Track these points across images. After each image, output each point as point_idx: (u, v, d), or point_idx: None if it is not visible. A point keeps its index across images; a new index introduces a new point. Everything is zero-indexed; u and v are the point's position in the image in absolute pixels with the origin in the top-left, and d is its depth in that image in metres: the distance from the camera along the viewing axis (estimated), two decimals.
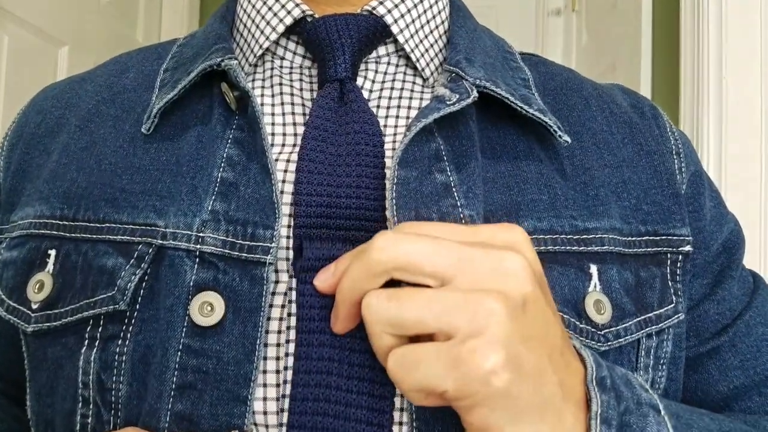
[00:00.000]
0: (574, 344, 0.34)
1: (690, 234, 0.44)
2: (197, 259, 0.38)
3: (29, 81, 1.36)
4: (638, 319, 0.41)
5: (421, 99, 0.44)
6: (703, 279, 0.46)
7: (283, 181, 0.40)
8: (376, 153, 0.39)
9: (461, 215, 0.38)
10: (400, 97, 0.43)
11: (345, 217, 0.38)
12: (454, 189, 0.39)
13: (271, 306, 0.37)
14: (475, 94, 0.40)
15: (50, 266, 0.40)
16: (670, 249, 0.43)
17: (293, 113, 0.43)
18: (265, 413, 0.36)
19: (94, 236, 0.40)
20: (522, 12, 2.25)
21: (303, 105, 0.43)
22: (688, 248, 0.43)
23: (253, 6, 0.45)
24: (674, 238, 0.43)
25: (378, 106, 0.43)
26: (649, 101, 0.50)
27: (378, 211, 0.38)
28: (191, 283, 0.37)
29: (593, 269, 0.40)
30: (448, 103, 0.39)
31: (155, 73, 0.47)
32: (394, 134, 0.42)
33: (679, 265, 0.43)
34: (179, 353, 0.36)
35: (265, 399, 0.36)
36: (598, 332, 0.39)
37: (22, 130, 0.48)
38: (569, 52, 2.13)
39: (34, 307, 0.40)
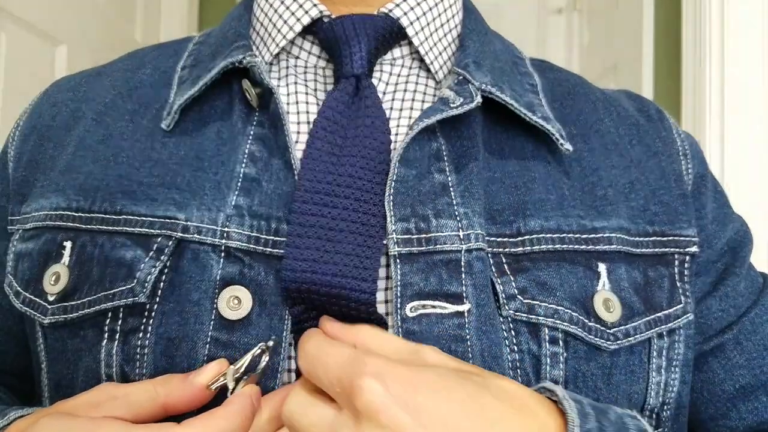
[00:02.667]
0: (558, 394, 0.32)
1: (696, 235, 0.44)
2: (223, 254, 0.38)
3: (27, 80, 1.36)
4: (647, 318, 0.41)
5: (433, 101, 0.44)
6: (707, 277, 0.46)
7: None
8: (382, 149, 0.40)
9: (456, 212, 0.39)
10: (413, 99, 0.44)
11: (343, 207, 0.38)
12: (451, 188, 0.40)
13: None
14: (478, 99, 0.41)
15: (66, 258, 0.41)
16: (677, 250, 0.43)
17: (308, 112, 0.43)
18: None
19: (111, 228, 0.40)
20: (524, 10, 2.25)
21: (317, 104, 0.44)
22: (694, 249, 0.43)
23: (271, 5, 0.46)
24: (681, 238, 0.43)
25: (391, 108, 0.43)
26: (655, 104, 0.51)
27: (378, 205, 0.38)
28: (218, 277, 0.38)
29: (602, 268, 0.40)
30: (452, 105, 0.40)
31: (172, 70, 0.47)
32: (407, 134, 0.42)
33: (686, 265, 0.43)
34: (208, 346, 0.37)
35: None
36: (608, 331, 0.39)
37: (35, 121, 0.48)
38: (571, 50, 2.12)
39: (51, 299, 0.40)
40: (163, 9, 2.01)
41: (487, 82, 0.42)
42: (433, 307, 0.37)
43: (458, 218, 0.39)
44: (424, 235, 0.38)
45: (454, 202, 0.39)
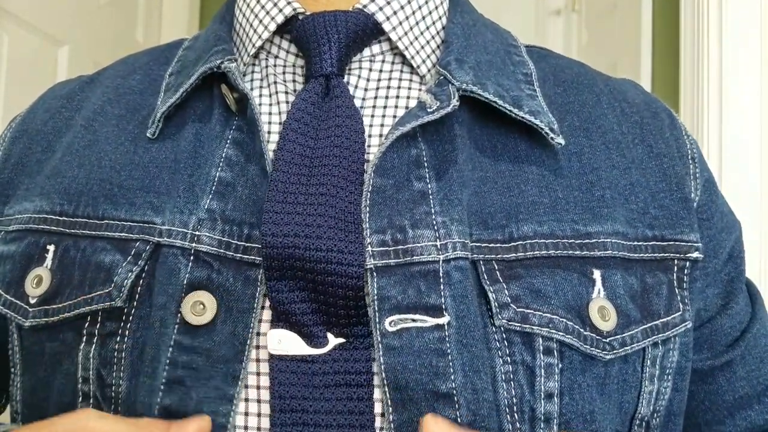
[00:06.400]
0: None
1: (699, 240, 0.42)
2: (192, 258, 0.38)
3: (29, 81, 1.36)
4: (644, 326, 0.39)
5: (418, 98, 0.43)
6: (715, 288, 0.45)
7: None
8: (355, 148, 0.39)
9: (434, 222, 0.38)
10: (398, 96, 0.43)
11: (318, 214, 0.37)
12: (430, 196, 0.39)
13: (263, 308, 0.37)
14: (455, 102, 0.39)
15: (49, 261, 0.41)
16: (678, 255, 0.42)
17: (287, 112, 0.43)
18: (246, 414, 0.36)
19: (93, 232, 0.40)
20: (522, 12, 2.25)
21: None
22: (696, 254, 0.42)
23: (248, 5, 0.45)
24: (682, 243, 0.42)
25: (374, 106, 0.42)
26: (665, 105, 0.49)
27: (356, 204, 0.38)
28: (185, 282, 0.37)
29: (597, 274, 0.39)
30: (428, 110, 0.39)
31: (161, 78, 0.47)
32: (382, 143, 0.41)
33: (686, 271, 0.42)
34: (170, 349, 0.36)
35: (246, 400, 0.36)
36: (603, 340, 0.38)
37: (27, 125, 0.48)
38: (569, 52, 2.13)
39: (32, 301, 0.40)
40: (165, 10, 2.01)
41: (469, 81, 0.41)
42: (414, 320, 0.36)
43: (436, 228, 0.37)
44: (401, 247, 0.37)
45: (433, 211, 0.38)
